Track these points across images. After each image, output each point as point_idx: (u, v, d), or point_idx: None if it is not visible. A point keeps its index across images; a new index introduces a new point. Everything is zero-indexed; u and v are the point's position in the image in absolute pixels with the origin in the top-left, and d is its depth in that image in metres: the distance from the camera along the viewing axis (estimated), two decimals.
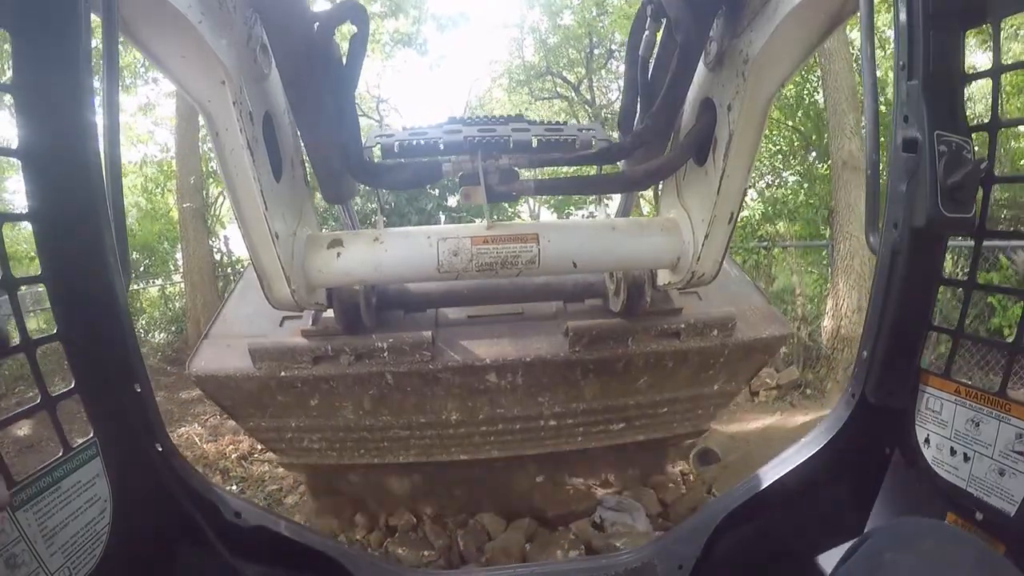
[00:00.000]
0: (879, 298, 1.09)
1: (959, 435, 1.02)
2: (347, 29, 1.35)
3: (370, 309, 1.93)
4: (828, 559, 0.94)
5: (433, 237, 1.48)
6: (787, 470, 1.24)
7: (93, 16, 0.89)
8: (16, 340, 0.85)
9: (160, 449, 1.04)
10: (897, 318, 1.07)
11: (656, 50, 1.43)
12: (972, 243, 1.04)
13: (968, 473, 1.00)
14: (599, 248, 1.52)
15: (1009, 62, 0.98)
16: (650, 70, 1.46)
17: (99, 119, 0.92)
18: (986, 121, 1.00)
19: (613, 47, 10.22)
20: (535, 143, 1.49)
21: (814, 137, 7.34)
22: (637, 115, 1.52)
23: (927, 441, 1.08)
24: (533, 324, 2.08)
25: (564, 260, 1.50)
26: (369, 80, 12.58)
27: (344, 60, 1.36)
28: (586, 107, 11.25)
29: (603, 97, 11.79)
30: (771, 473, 1.27)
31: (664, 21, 1.34)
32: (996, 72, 0.97)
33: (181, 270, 9.75)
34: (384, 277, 1.54)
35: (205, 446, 4.71)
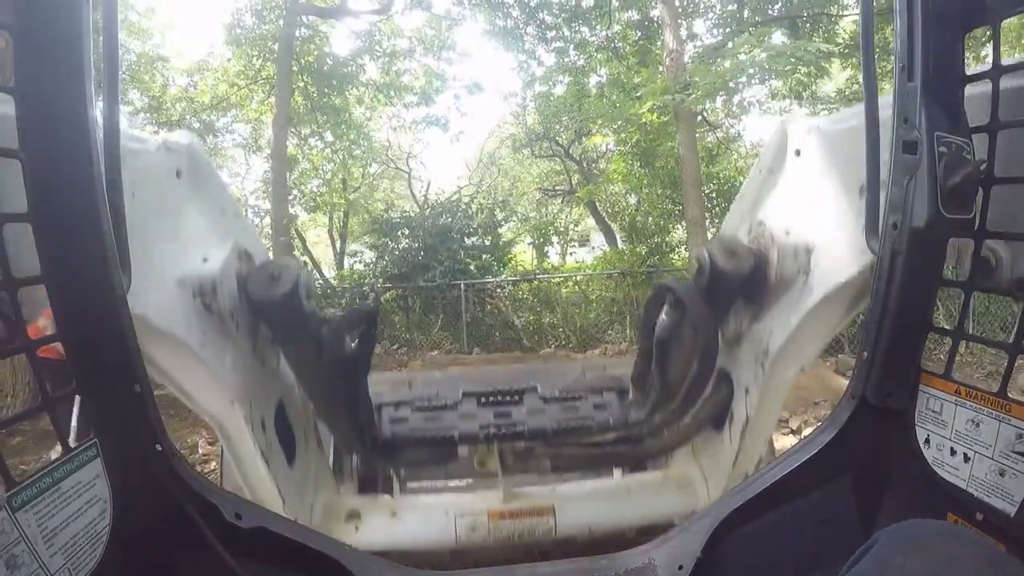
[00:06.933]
0: (879, 299, 1.08)
1: (959, 435, 1.02)
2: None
3: None
4: (828, 561, 0.94)
5: (451, 511, 1.52)
6: (787, 470, 1.23)
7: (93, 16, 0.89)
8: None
9: (160, 449, 1.04)
10: (897, 319, 1.07)
11: (670, 330, 1.46)
12: None
13: (968, 473, 1.00)
14: (614, 513, 1.58)
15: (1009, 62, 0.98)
16: (664, 344, 1.50)
17: (99, 120, 0.92)
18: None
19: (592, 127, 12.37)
20: (551, 430, 1.53)
21: (680, 207, 10.95)
22: (650, 378, 1.56)
23: (927, 441, 1.08)
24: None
25: (580, 529, 1.55)
26: (403, 144, 16.42)
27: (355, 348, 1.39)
28: (573, 163, 15.05)
29: (585, 158, 15.02)
30: (771, 473, 1.26)
31: (681, 310, 1.37)
32: (996, 73, 0.97)
33: None
34: (402, 547, 1.57)
35: None
